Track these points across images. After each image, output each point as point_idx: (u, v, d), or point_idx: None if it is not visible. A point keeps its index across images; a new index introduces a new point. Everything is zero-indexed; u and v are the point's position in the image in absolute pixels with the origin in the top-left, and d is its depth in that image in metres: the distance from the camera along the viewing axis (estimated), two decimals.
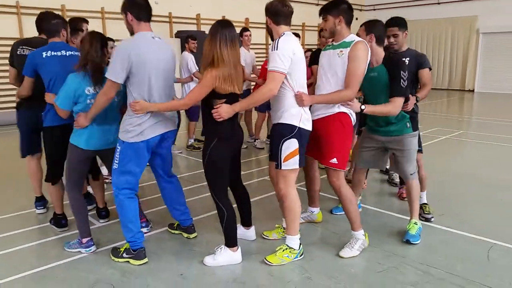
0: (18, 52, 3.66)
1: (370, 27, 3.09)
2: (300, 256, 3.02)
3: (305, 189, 3.66)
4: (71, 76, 2.96)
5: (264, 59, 6.71)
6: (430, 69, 3.72)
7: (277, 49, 2.71)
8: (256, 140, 6.90)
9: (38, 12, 3.93)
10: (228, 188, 3.09)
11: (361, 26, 3.18)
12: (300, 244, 3.03)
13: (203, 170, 2.93)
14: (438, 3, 16.87)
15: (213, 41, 2.71)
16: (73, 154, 3.08)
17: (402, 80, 2.99)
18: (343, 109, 2.98)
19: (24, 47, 3.67)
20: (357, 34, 3.12)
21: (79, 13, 10.04)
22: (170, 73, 3.00)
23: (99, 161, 3.81)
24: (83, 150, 3.05)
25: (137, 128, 2.85)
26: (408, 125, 3.24)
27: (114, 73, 2.75)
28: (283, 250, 2.97)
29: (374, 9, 18.29)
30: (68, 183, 3.16)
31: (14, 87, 3.77)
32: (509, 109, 11.84)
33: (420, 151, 3.86)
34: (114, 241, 3.35)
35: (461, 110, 12.32)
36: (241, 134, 3.00)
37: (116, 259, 3.02)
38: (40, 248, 3.30)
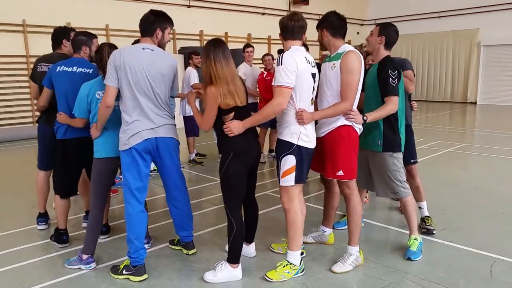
0: (38, 70, 3.79)
1: (384, 30, 3.20)
2: (301, 272, 3.00)
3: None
4: (83, 85, 3.13)
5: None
6: (414, 74, 3.77)
7: (281, 64, 2.75)
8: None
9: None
10: None
11: (376, 25, 3.29)
12: (302, 260, 3.01)
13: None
14: (439, 17, 17.02)
15: (208, 60, 2.80)
16: (97, 166, 3.13)
17: (391, 79, 3.06)
18: (345, 122, 2.98)
19: (43, 64, 3.78)
20: (370, 33, 3.28)
21: (84, 30, 10.20)
22: (157, 81, 2.96)
23: None
24: (104, 159, 3.09)
25: (124, 136, 2.92)
26: (380, 142, 3.19)
27: (107, 78, 2.89)
28: (284, 266, 2.95)
29: (376, 23, 18.44)
30: (92, 197, 3.18)
31: (29, 102, 3.87)
32: (511, 121, 11.83)
33: (415, 162, 3.85)
34: (114, 257, 3.34)
35: (464, 122, 12.31)
36: (257, 149, 3.00)
37: (116, 276, 3.01)
38: (42, 264, 3.30)
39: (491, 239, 3.60)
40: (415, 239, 3.32)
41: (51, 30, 3.98)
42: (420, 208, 3.85)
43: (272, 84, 2.85)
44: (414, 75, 3.80)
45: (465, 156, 7.24)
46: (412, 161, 3.81)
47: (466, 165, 6.70)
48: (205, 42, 13.34)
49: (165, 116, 3.07)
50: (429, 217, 3.81)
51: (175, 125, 3.18)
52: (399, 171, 3.26)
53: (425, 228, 3.70)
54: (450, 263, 3.16)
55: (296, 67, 2.75)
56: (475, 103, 16.51)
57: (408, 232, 3.39)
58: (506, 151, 7.27)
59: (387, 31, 3.19)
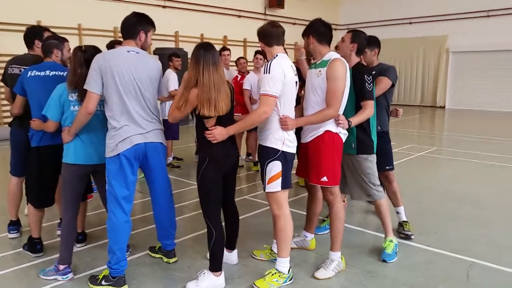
0: (8, 72, 3.62)
1: (356, 37, 3.23)
2: (290, 280, 2.98)
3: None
4: (57, 86, 3.01)
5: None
6: (393, 84, 3.73)
7: (269, 73, 2.75)
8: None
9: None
10: None
11: (348, 32, 3.30)
12: (290, 267, 3.00)
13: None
14: (410, 23, 17.46)
15: (197, 65, 2.74)
16: (66, 172, 3.03)
17: (366, 84, 3.12)
18: (330, 127, 2.99)
19: (13, 66, 3.61)
20: (342, 39, 3.27)
21: (55, 29, 9.88)
22: (146, 84, 2.92)
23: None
24: (74, 166, 2.99)
25: (112, 142, 2.84)
26: (353, 145, 3.26)
27: (90, 84, 2.78)
28: (272, 275, 2.93)
29: (348, 29, 18.75)
30: (63, 204, 3.08)
31: (7, 102, 3.73)
32: (478, 125, 12.26)
33: (391, 169, 3.88)
34: (92, 266, 3.24)
35: (434, 126, 12.69)
36: (234, 156, 3.00)
37: (95, 287, 2.91)
38: (14, 275, 3.15)
39: (465, 242, 3.70)
40: (391, 241, 3.40)
41: (21, 28, 3.81)
42: (397, 213, 3.92)
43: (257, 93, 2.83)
44: (393, 85, 3.77)
45: (436, 160, 7.44)
46: (387, 168, 3.83)
47: (437, 169, 6.90)
48: (180, 44, 13.24)
49: (153, 120, 3.01)
50: (406, 222, 3.88)
51: (162, 129, 3.13)
52: (373, 174, 3.33)
53: (403, 234, 3.77)
54: (429, 268, 3.23)
55: (284, 76, 2.77)
56: (444, 107, 17.04)
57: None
58: (474, 155, 7.52)
59: (360, 39, 3.25)
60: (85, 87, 2.81)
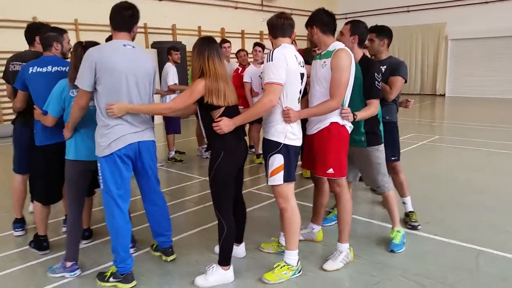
0: (10, 69, 3.59)
1: (355, 28, 3.14)
2: (299, 273, 2.97)
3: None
4: (59, 82, 2.98)
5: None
6: (405, 80, 3.66)
7: (271, 61, 2.73)
8: None
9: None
10: None
11: (346, 24, 3.21)
12: (299, 260, 2.99)
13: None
14: (408, 11, 17.35)
15: (202, 58, 2.73)
16: (68, 168, 3.01)
17: (376, 82, 3.08)
18: (335, 119, 2.96)
19: (15, 62, 3.59)
20: (340, 32, 3.18)
21: (51, 25, 9.80)
22: (144, 81, 2.85)
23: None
24: (75, 162, 2.97)
25: (104, 140, 2.75)
26: (363, 139, 3.24)
27: (82, 80, 2.69)
28: (281, 267, 2.92)
29: (346, 18, 18.63)
30: (68, 200, 3.07)
31: (8, 99, 3.70)
32: (479, 112, 12.23)
33: (396, 159, 3.84)
34: (99, 263, 3.23)
35: (435, 115, 12.66)
36: (245, 146, 2.98)
37: (103, 284, 2.90)
38: (21, 274, 3.14)
39: (473, 230, 3.69)
40: (398, 231, 3.39)
41: (18, 24, 3.78)
42: (404, 203, 3.90)
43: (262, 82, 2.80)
44: (406, 81, 3.68)
45: (440, 149, 7.43)
46: (393, 158, 3.79)
47: (441, 157, 6.88)
48: (178, 37, 13.10)
49: (146, 118, 2.96)
50: (413, 212, 3.86)
51: (153, 127, 3.09)
52: (383, 163, 3.33)
53: (410, 225, 3.75)
54: (437, 257, 3.22)
55: (286, 63, 2.73)
56: (444, 95, 16.99)
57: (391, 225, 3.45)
58: (478, 143, 7.50)
59: (359, 29, 3.14)
60: (77, 83, 2.71)
